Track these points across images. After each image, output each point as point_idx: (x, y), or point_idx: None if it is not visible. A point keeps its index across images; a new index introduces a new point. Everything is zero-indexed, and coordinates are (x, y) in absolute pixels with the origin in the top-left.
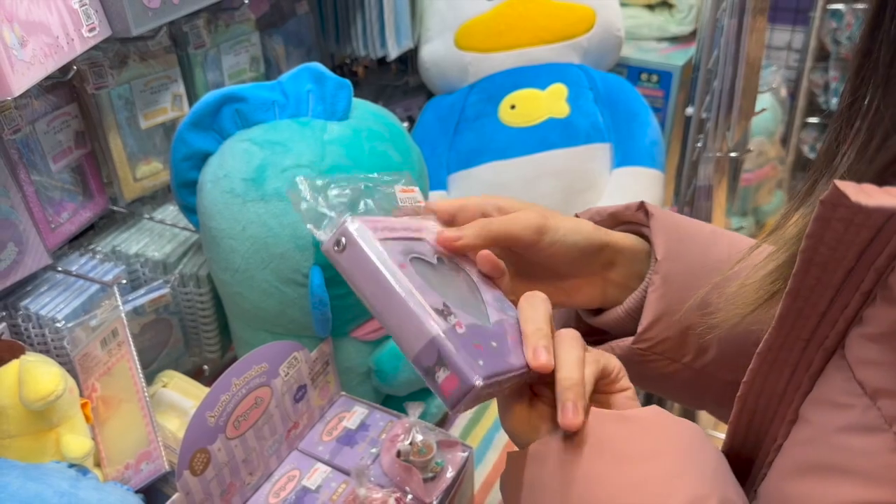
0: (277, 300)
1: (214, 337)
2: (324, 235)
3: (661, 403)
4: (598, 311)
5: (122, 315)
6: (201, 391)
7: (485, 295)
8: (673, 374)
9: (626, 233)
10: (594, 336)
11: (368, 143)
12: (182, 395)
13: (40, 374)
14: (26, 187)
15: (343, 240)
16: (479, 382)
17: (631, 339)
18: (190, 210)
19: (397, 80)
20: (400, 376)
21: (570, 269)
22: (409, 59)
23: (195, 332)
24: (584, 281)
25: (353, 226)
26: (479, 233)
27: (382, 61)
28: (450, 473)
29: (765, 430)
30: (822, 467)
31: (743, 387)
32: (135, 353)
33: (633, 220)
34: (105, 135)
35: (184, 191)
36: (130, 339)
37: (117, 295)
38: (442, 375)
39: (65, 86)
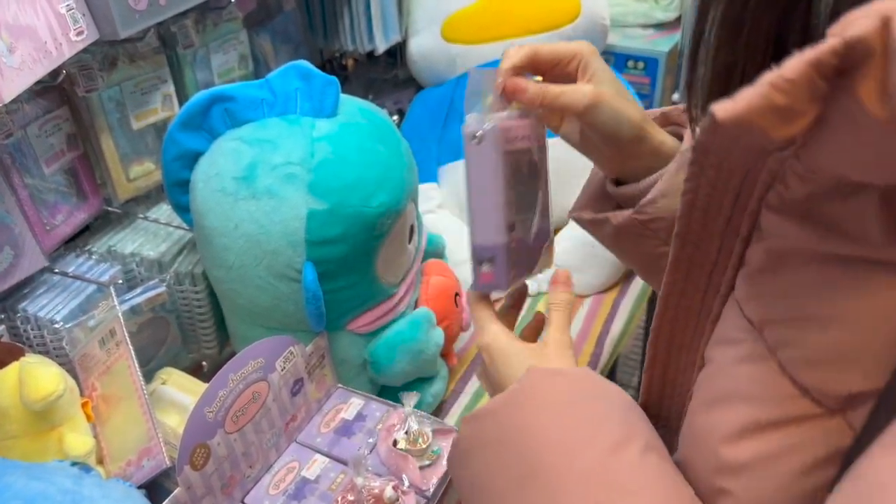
0: (271, 296)
1: (212, 333)
2: (472, 120)
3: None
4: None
5: (119, 315)
6: (200, 387)
7: (540, 199)
8: (661, 257)
9: (671, 135)
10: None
11: (357, 138)
12: (181, 391)
13: (40, 374)
14: (20, 191)
15: (483, 136)
16: (504, 287)
17: (632, 209)
18: (183, 209)
19: (387, 74)
20: (395, 367)
21: (608, 143)
22: (398, 53)
23: (192, 329)
24: (618, 156)
25: (494, 132)
26: (536, 96)
27: (372, 55)
28: (445, 461)
29: (680, 384)
30: (722, 398)
31: (652, 333)
32: (132, 351)
33: (679, 121)
34: (97, 137)
35: (176, 190)
36: (128, 338)
37: (113, 295)
38: (486, 268)
39: (55, 89)
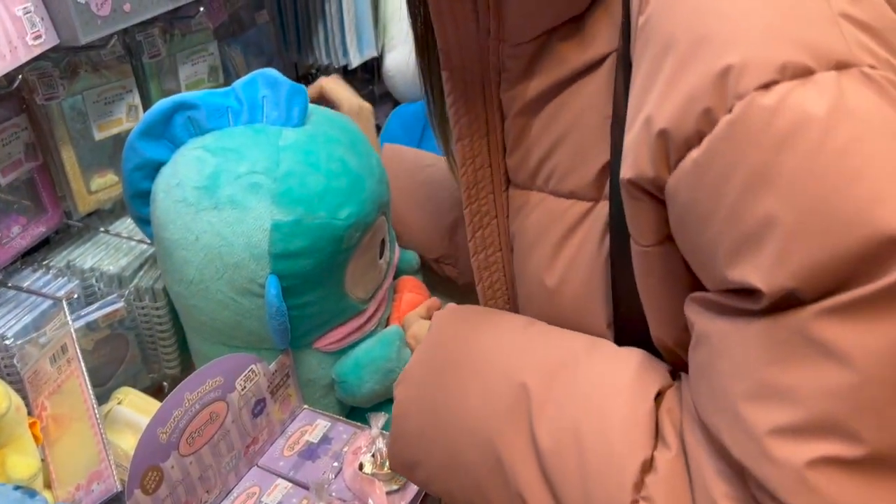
0: (233, 312)
1: (173, 352)
2: None
3: None
4: None
5: (72, 330)
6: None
7: None
8: None
9: None
10: None
11: (325, 148)
12: (137, 412)
13: None
14: None
15: None
16: None
17: None
18: (144, 221)
19: (363, 89)
20: (364, 387)
21: None
22: (374, 68)
23: (153, 347)
24: None
25: None
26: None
27: (347, 70)
28: (414, 486)
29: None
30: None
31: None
32: (84, 369)
33: None
34: (57, 147)
35: (137, 201)
36: (80, 354)
37: (66, 309)
38: None
39: (12, 97)
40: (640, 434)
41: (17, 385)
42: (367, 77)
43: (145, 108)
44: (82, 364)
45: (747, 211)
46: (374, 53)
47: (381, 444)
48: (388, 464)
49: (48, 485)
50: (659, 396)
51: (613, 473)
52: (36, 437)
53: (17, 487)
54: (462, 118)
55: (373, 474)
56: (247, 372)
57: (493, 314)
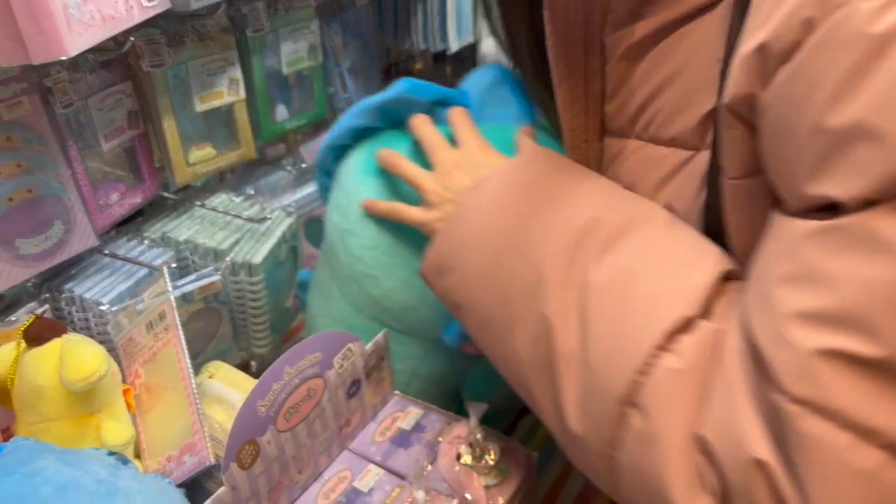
0: (415, 296)
1: (264, 331)
2: None
3: None
4: None
5: (171, 298)
6: (250, 383)
7: None
8: None
9: None
10: None
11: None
12: (229, 386)
13: (82, 353)
14: (76, 164)
15: None
16: None
17: None
18: (327, 175)
19: (454, 78)
20: (494, 396)
21: None
22: (465, 59)
23: (244, 324)
24: None
25: None
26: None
27: (438, 59)
28: (513, 482)
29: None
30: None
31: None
32: (182, 337)
33: None
34: (159, 115)
35: (331, 155)
36: (179, 322)
37: (167, 276)
38: None
39: (120, 62)
40: (692, 297)
41: (111, 352)
42: (458, 68)
43: (246, 83)
44: (181, 332)
45: (835, 117)
46: (472, 39)
47: (479, 435)
48: (487, 456)
49: (137, 455)
50: (725, 283)
51: (650, 317)
52: (128, 405)
53: (111, 453)
54: (561, 63)
55: (471, 466)
56: (344, 350)
57: (573, 162)
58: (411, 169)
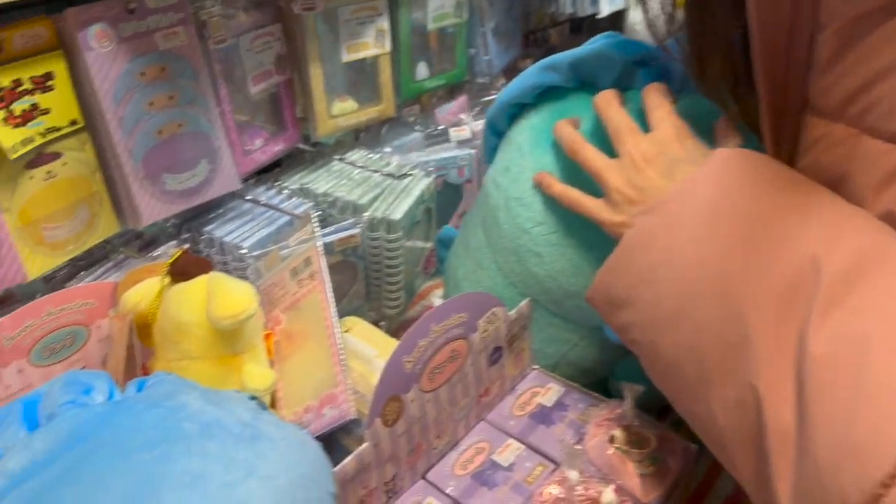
0: (584, 283)
1: (397, 291)
2: None
3: None
4: None
5: (318, 244)
6: (386, 341)
7: None
8: None
9: None
10: None
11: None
12: (366, 342)
13: (232, 289)
14: (225, 104)
15: None
16: None
17: None
18: (496, 133)
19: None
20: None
21: None
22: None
23: (377, 282)
24: None
25: None
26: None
27: (574, 29)
28: (671, 473)
29: None
30: None
31: None
32: (329, 284)
33: None
34: (306, 62)
35: (506, 113)
36: (326, 269)
37: (314, 222)
38: None
39: (271, 3)
40: None
41: None
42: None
43: (393, 35)
44: (327, 280)
45: None
46: (622, 5)
47: (635, 419)
48: (642, 442)
49: (272, 403)
50: None
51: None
52: (267, 351)
53: (252, 397)
54: (765, 9)
55: (625, 451)
56: (489, 314)
57: (785, 169)
58: (593, 156)
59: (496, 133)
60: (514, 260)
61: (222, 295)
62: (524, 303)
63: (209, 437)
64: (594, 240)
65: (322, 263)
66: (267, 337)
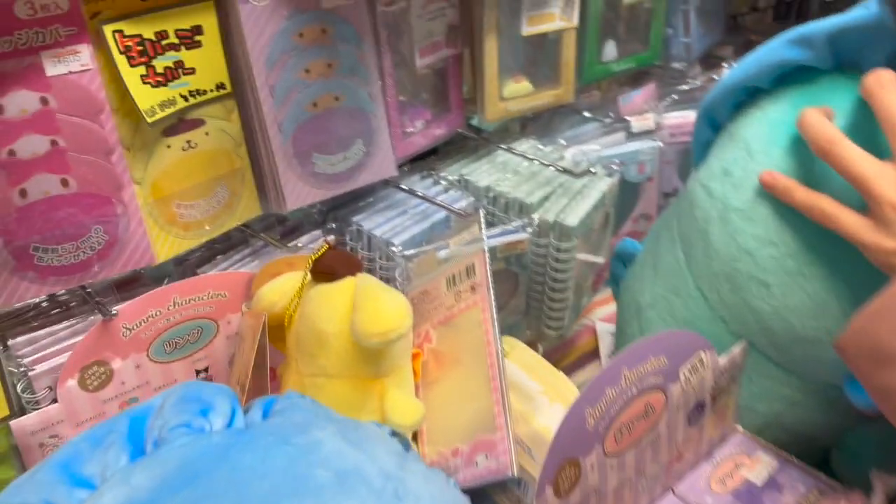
0: (826, 327)
1: (562, 309)
2: None
3: None
4: None
5: (486, 249)
6: (551, 373)
7: None
8: None
9: None
10: None
11: None
12: (526, 371)
13: (384, 301)
14: (388, 77)
15: None
16: None
17: None
18: (713, 126)
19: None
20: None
21: None
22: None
23: (539, 296)
24: None
25: None
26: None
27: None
28: None
29: None
30: None
31: None
32: (493, 301)
33: None
34: (481, 34)
35: (730, 100)
36: (491, 282)
37: (482, 222)
38: None
39: None
40: None
41: None
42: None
43: (581, 8)
44: (491, 296)
45: None
46: None
47: None
48: None
49: (413, 435)
50: None
51: None
52: (414, 373)
53: (394, 433)
54: None
55: None
56: (693, 360)
57: None
58: (857, 157)
59: (712, 125)
60: (728, 289)
61: (372, 307)
62: (739, 347)
63: (346, 492)
64: (849, 269)
65: (487, 275)
66: (415, 357)
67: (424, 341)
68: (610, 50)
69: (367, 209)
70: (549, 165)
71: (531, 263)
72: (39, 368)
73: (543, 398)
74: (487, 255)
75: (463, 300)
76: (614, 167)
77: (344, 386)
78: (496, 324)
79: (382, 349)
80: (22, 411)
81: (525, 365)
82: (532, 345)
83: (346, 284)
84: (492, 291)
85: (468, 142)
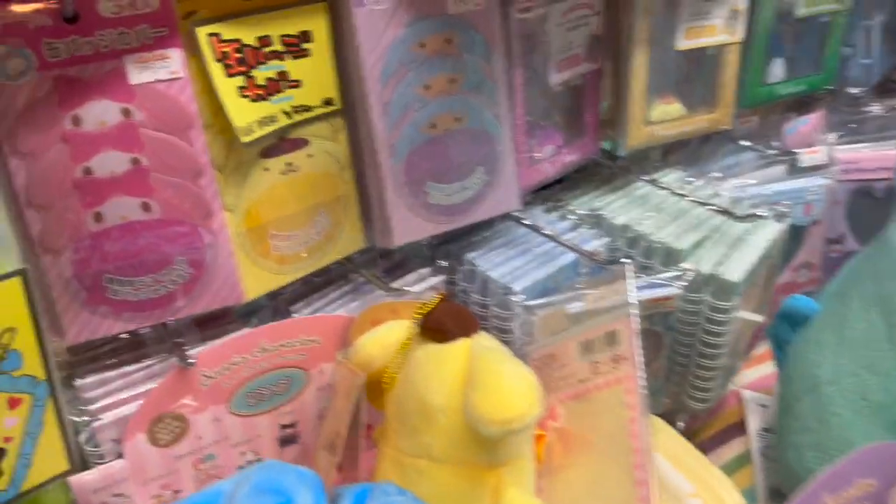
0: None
1: (711, 379)
2: None
3: None
4: None
5: (634, 312)
6: (702, 466)
7: None
8: None
9: None
10: None
11: None
12: (672, 462)
13: (508, 379)
14: (518, 95)
15: None
16: None
17: None
18: None
19: None
20: None
21: None
22: None
23: (685, 362)
24: None
25: None
26: None
27: None
28: None
29: None
30: None
31: None
32: (642, 379)
33: None
34: (630, 46)
35: None
36: (640, 355)
37: (630, 277)
38: None
39: None
40: None
41: None
42: None
43: (749, 20)
44: (640, 372)
45: None
46: None
47: None
48: None
49: None
50: None
51: None
52: (536, 457)
53: None
54: None
55: None
56: None
57: None
58: None
59: None
60: None
61: (493, 386)
62: None
63: None
64: None
65: (635, 346)
66: (539, 439)
67: (549, 419)
68: (777, 70)
69: (482, 245)
70: (703, 204)
71: (678, 322)
72: (106, 418)
73: (695, 501)
74: (637, 320)
75: (601, 374)
76: (783, 209)
77: (451, 474)
78: (646, 409)
79: (504, 438)
80: (84, 465)
81: (670, 453)
82: (668, 417)
83: (460, 349)
84: (640, 368)
85: (600, 169)
